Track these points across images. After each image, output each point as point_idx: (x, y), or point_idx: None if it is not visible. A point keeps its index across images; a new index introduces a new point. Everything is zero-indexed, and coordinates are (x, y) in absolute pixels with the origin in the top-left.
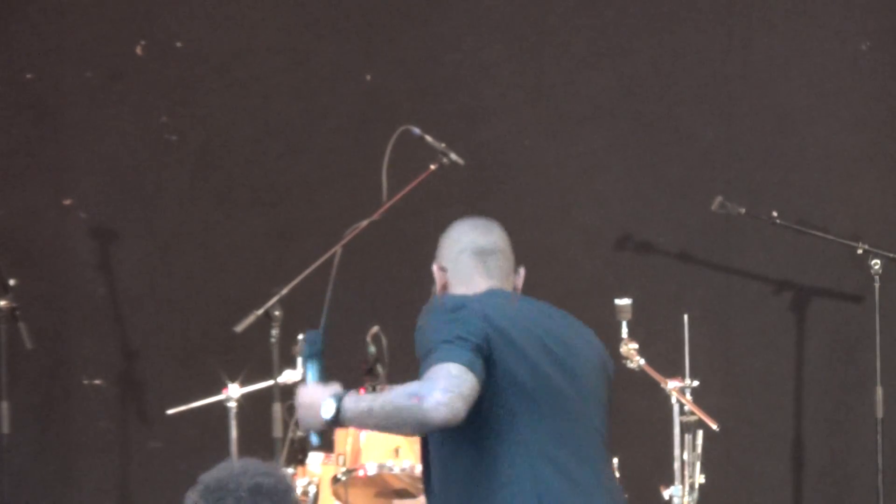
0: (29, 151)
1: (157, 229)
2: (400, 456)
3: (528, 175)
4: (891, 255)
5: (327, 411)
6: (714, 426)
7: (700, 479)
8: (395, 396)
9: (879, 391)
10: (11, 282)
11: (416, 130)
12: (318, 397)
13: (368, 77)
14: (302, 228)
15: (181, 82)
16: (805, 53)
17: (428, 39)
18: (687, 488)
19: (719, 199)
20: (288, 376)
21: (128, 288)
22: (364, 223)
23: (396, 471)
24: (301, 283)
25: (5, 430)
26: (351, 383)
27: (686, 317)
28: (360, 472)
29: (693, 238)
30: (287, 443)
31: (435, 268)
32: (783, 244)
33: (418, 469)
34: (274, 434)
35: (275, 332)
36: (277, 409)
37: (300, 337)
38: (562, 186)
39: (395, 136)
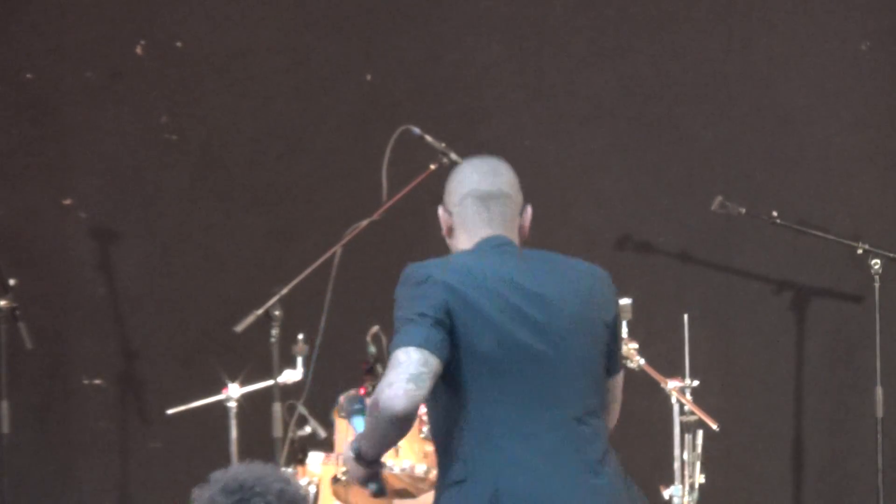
0: (29, 151)
1: (157, 229)
2: (400, 456)
3: (528, 175)
4: (891, 255)
5: (349, 456)
6: (714, 426)
7: (700, 479)
8: (368, 413)
9: (879, 391)
10: (11, 282)
11: (416, 130)
12: (346, 449)
13: (368, 77)
14: (302, 228)
15: (181, 82)
16: (805, 53)
17: (428, 39)
18: (687, 488)
19: (719, 199)
20: (288, 376)
21: (128, 288)
22: (364, 223)
23: (396, 471)
24: (301, 283)
25: (5, 430)
26: (351, 383)
27: (686, 317)
28: None
29: (693, 238)
30: (287, 443)
31: (441, 210)
32: (783, 244)
33: (418, 469)
34: (274, 434)
35: (275, 332)
36: (277, 409)
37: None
38: (562, 186)
39: (395, 136)
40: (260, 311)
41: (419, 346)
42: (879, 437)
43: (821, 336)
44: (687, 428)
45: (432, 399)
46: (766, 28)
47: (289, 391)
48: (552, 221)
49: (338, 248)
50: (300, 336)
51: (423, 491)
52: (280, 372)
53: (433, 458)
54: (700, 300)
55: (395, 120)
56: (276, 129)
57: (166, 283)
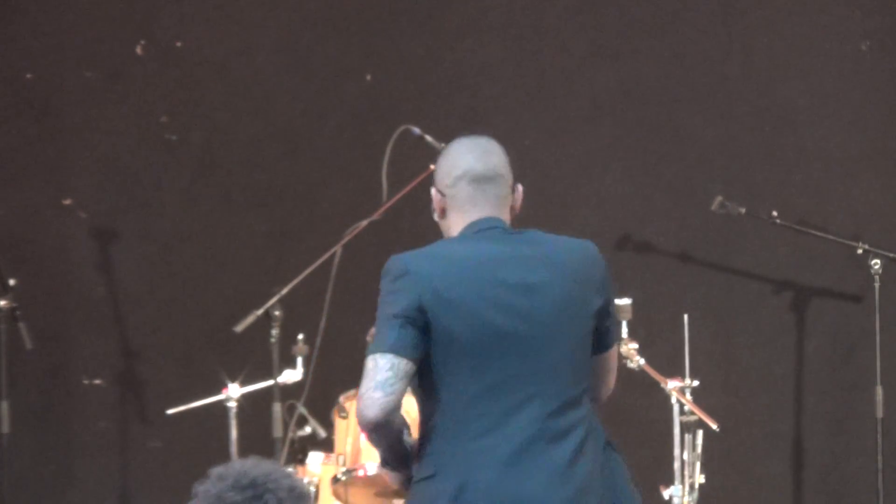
0: (29, 151)
1: (157, 229)
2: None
3: (528, 175)
4: (891, 255)
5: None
6: (714, 426)
7: (700, 479)
8: None
9: (879, 391)
10: (11, 282)
11: (416, 130)
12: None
13: (368, 77)
14: (302, 228)
15: (181, 82)
16: (805, 53)
17: (428, 39)
18: (687, 488)
19: (719, 199)
20: (288, 376)
21: (128, 288)
22: (364, 223)
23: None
24: (301, 283)
25: (5, 430)
26: (351, 383)
27: (686, 317)
28: (360, 472)
29: (693, 238)
30: (287, 443)
31: (434, 191)
32: (783, 244)
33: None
34: (274, 434)
35: (275, 332)
36: (277, 409)
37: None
38: (562, 186)
39: (395, 136)
40: (260, 311)
41: (385, 351)
42: (879, 437)
43: (821, 336)
44: (687, 428)
45: (417, 395)
46: (766, 28)
47: (289, 391)
48: (552, 221)
49: (338, 248)
50: (300, 336)
51: None
52: (280, 372)
53: None
54: (700, 300)
55: (395, 120)
56: (276, 129)
57: (166, 283)
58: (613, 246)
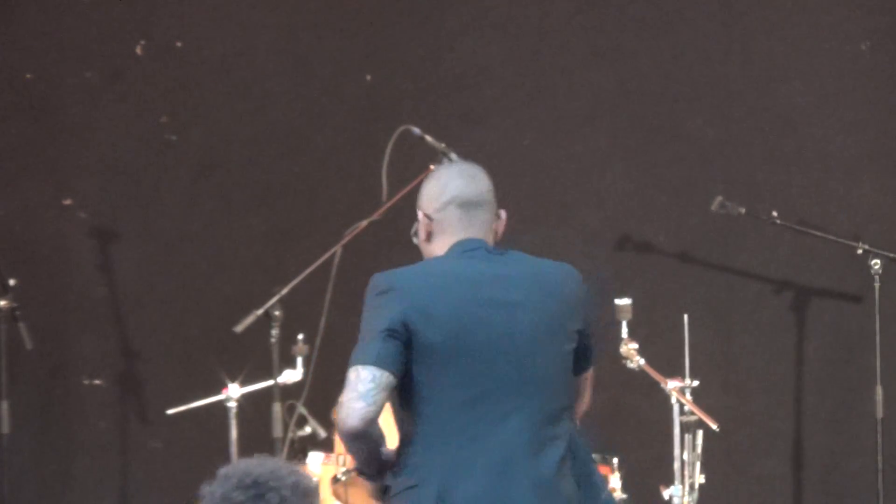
0: (29, 151)
1: (157, 229)
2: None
3: (529, 175)
4: (891, 255)
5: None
6: (714, 426)
7: (700, 479)
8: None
9: (879, 391)
10: (11, 282)
11: (416, 130)
12: None
13: (368, 77)
14: (302, 228)
15: (181, 82)
16: (805, 53)
17: (428, 39)
18: (687, 488)
19: (719, 199)
20: (288, 376)
21: (128, 288)
22: (364, 223)
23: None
24: (301, 283)
25: (5, 430)
26: None
27: (686, 317)
28: None
29: (693, 238)
30: (287, 443)
31: (420, 214)
32: (783, 244)
33: None
34: (274, 434)
35: (275, 332)
36: (277, 409)
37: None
38: (562, 186)
39: (395, 136)
40: (260, 311)
41: (366, 363)
42: (879, 437)
43: (821, 336)
44: (687, 428)
45: (396, 409)
46: (766, 28)
47: (289, 391)
48: (552, 221)
49: (338, 248)
50: (300, 336)
51: None
52: (280, 372)
53: None
54: (700, 300)
55: (395, 120)
56: (276, 129)
57: (166, 283)
58: (613, 246)
